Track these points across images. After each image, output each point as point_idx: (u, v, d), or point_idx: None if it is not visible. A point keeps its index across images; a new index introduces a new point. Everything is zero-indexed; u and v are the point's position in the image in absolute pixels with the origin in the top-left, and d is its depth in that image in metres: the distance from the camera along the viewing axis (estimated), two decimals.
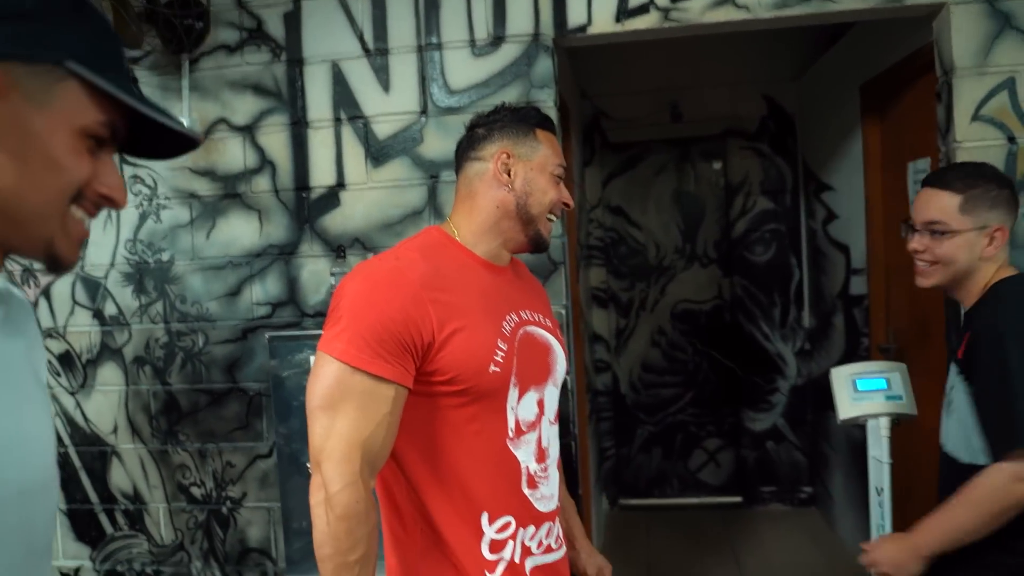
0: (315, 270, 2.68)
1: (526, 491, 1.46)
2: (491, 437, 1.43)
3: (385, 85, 2.63)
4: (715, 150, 4.89)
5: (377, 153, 2.64)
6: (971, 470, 1.63)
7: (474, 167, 1.55)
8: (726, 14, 2.46)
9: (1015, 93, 2.37)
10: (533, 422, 1.48)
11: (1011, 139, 2.37)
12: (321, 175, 2.68)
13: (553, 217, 1.57)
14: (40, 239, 0.79)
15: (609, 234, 4.96)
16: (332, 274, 2.41)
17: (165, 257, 2.80)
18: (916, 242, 1.80)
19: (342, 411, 1.30)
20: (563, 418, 2.47)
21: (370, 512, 1.30)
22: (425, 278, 1.39)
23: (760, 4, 2.44)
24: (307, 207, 2.69)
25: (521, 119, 1.56)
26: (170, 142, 0.87)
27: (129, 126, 0.83)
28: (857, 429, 3.67)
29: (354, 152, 2.65)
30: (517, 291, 1.57)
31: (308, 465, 1.39)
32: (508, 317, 1.47)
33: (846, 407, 1.84)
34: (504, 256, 1.57)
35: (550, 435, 1.53)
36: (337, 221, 2.67)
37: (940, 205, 1.75)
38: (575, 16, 2.53)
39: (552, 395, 1.55)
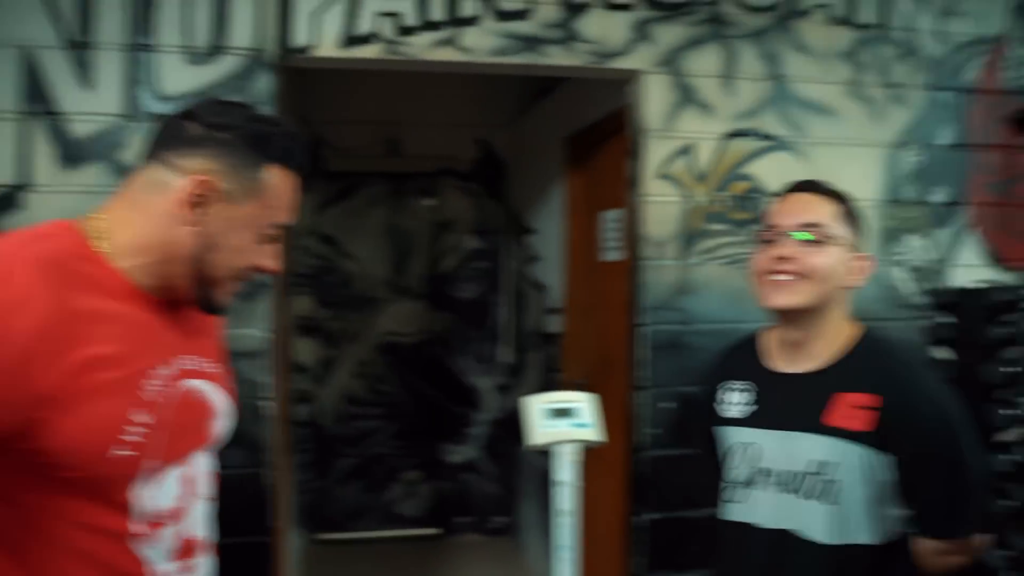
0: None
1: None
2: (102, 539, 1.05)
3: (87, 82, 2.43)
4: (429, 187, 5.02)
5: (72, 154, 2.42)
6: (837, 551, 1.49)
7: (161, 175, 1.11)
8: (449, 54, 2.55)
9: (692, 156, 2.67)
10: (175, 509, 1.13)
11: (688, 197, 2.66)
12: None
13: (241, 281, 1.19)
14: None
15: (319, 263, 4.90)
16: None
17: None
18: (787, 248, 1.53)
19: None
20: (254, 444, 2.38)
21: None
22: (44, 325, 0.96)
23: (481, 49, 2.56)
24: None
25: (258, 142, 1.13)
26: None
27: None
28: (545, 458, 3.89)
29: (44, 151, 2.41)
30: (176, 329, 1.17)
31: None
32: (155, 371, 1.09)
33: (536, 434, 1.94)
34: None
35: (200, 518, 1.20)
36: (19, 224, 2.40)
37: (821, 210, 1.55)
38: (300, 36, 2.50)
39: (203, 464, 1.22)
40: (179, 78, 2.46)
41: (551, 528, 1.94)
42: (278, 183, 1.16)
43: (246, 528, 2.36)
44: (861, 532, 1.49)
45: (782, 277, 1.53)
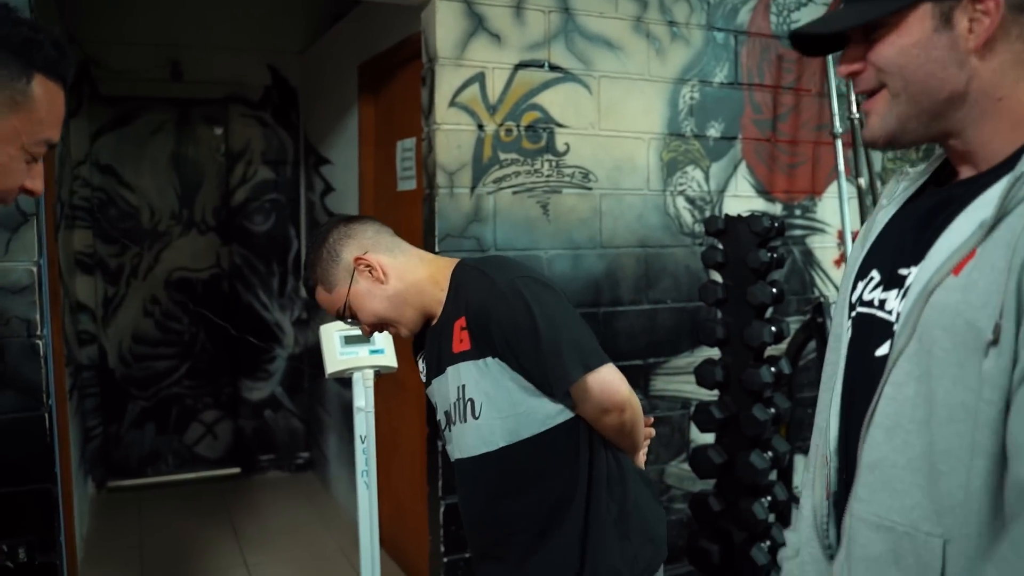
0: None
1: None
2: None
3: None
4: (217, 115, 4.77)
5: None
6: (498, 456, 1.61)
7: None
8: None
9: (484, 86, 2.70)
10: None
11: (480, 126, 2.69)
12: None
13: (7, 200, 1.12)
14: None
15: (97, 194, 4.56)
16: None
17: None
18: None
19: None
20: (31, 387, 2.23)
21: None
22: None
23: None
24: None
25: (23, 50, 1.03)
26: None
27: None
28: (348, 392, 3.89)
29: None
30: None
31: None
32: None
33: (334, 361, 1.95)
34: None
35: None
36: None
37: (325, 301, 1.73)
38: None
39: None
40: None
41: (355, 457, 1.97)
42: (46, 95, 1.06)
43: (28, 476, 2.21)
44: (518, 431, 1.61)
45: None
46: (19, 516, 2.13)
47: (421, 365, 1.81)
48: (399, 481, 3.44)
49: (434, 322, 1.72)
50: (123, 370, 4.69)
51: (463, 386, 1.63)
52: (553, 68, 2.80)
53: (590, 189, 2.87)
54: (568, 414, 1.61)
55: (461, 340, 1.61)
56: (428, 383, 1.77)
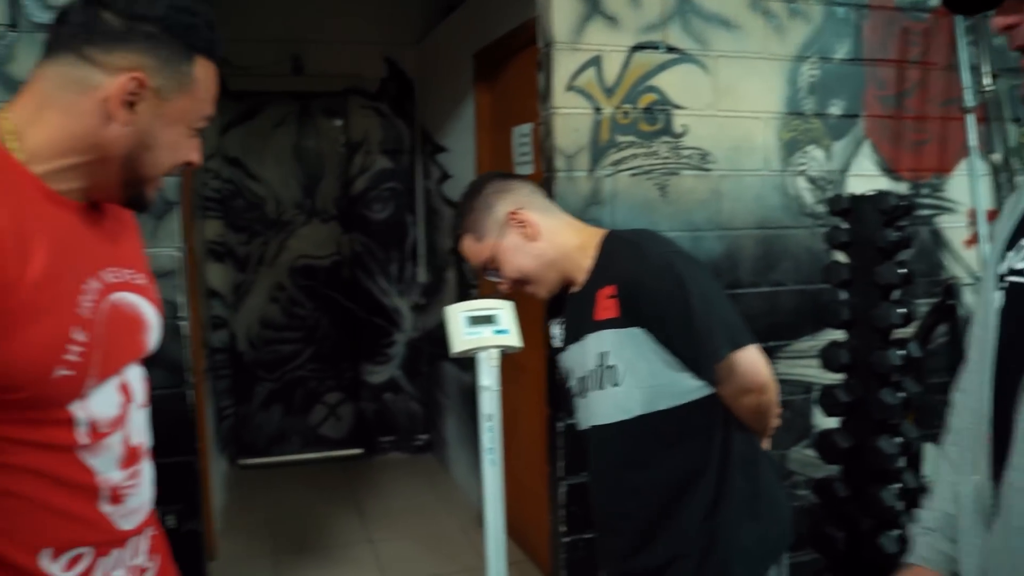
0: None
1: (106, 509, 1.11)
2: (49, 453, 1.03)
3: None
4: (336, 107, 4.93)
5: None
6: (653, 418, 1.62)
7: (80, 71, 1.02)
8: None
9: (600, 69, 2.70)
10: (118, 417, 1.12)
11: (597, 109, 2.70)
12: None
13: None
14: None
15: (227, 186, 4.79)
16: None
17: None
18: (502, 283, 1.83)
19: None
20: (175, 365, 2.37)
21: None
22: None
23: None
24: None
25: (185, 33, 1.08)
26: None
27: None
28: (468, 376, 3.96)
29: None
30: (100, 238, 1.13)
31: None
32: (87, 285, 1.06)
33: (459, 340, 1.99)
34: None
35: (140, 424, 1.18)
36: None
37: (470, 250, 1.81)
38: None
39: (138, 373, 1.20)
40: None
41: (478, 434, 2.01)
42: (205, 74, 1.12)
43: (173, 448, 2.36)
44: (655, 401, 1.62)
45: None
46: (168, 485, 2.27)
47: (555, 331, 1.84)
48: (518, 462, 3.48)
49: (574, 289, 1.74)
50: (251, 354, 4.92)
51: (605, 353, 1.64)
52: (670, 49, 2.77)
53: (708, 170, 2.84)
54: (706, 391, 1.62)
55: (607, 308, 1.62)
56: (563, 349, 1.79)
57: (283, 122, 4.89)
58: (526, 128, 3.22)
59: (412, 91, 4.95)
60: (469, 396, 4.00)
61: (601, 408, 1.69)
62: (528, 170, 3.21)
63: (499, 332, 1.98)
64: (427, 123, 4.79)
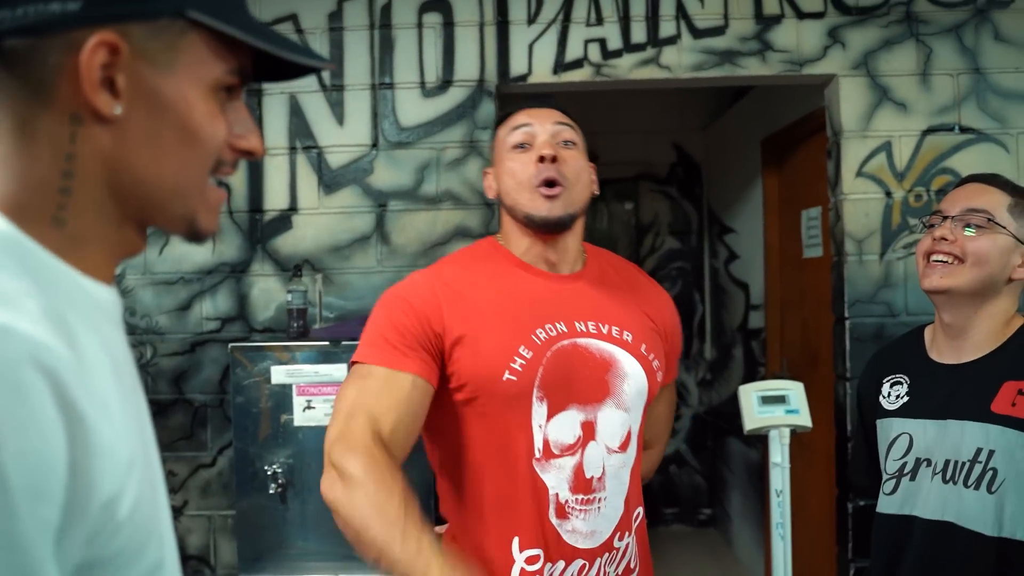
0: (265, 288, 2.85)
1: (554, 521, 1.33)
2: (515, 455, 1.33)
3: (340, 118, 2.84)
4: (628, 191, 5.25)
5: (329, 181, 2.84)
6: (1000, 544, 1.44)
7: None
8: (650, 72, 2.78)
9: (891, 155, 2.75)
10: (571, 445, 1.34)
11: (888, 194, 2.75)
12: (275, 199, 2.86)
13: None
14: (182, 218, 0.71)
15: None
16: (289, 292, 2.59)
17: (117, 271, 2.91)
18: (947, 231, 1.53)
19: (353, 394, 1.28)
20: None
21: (387, 474, 1.17)
22: (445, 281, 1.37)
23: (680, 66, 2.77)
24: (260, 228, 2.86)
25: None
26: (292, 65, 0.73)
27: (254, 61, 0.71)
28: (753, 452, 4.01)
29: (307, 179, 2.85)
30: (582, 300, 1.44)
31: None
32: (548, 326, 1.36)
33: (751, 419, 2.11)
34: (572, 261, 1.50)
35: (606, 465, 1.37)
36: (288, 243, 2.85)
37: (989, 198, 1.54)
38: (517, 66, 2.81)
39: (614, 419, 1.38)
40: (415, 110, 2.83)
41: (764, 510, 2.10)
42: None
43: None
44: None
45: (940, 258, 1.54)
46: None
47: (887, 389, 1.70)
48: (804, 540, 3.46)
49: (946, 359, 1.61)
50: None
51: (991, 452, 1.47)
52: (964, 130, 2.76)
53: None
54: None
55: (1015, 404, 1.45)
56: (905, 415, 1.63)
57: None
58: (815, 212, 3.30)
59: (699, 175, 5.17)
60: (755, 472, 4.03)
61: (956, 506, 1.50)
62: (817, 253, 3.28)
63: (790, 412, 2.08)
64: (714, 205, 4.97)
